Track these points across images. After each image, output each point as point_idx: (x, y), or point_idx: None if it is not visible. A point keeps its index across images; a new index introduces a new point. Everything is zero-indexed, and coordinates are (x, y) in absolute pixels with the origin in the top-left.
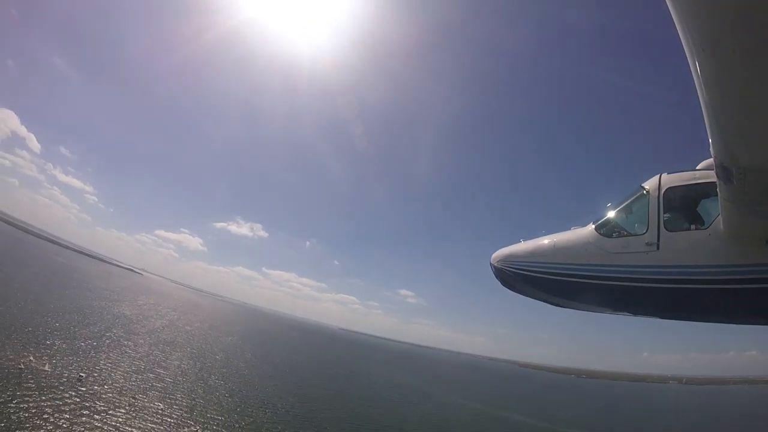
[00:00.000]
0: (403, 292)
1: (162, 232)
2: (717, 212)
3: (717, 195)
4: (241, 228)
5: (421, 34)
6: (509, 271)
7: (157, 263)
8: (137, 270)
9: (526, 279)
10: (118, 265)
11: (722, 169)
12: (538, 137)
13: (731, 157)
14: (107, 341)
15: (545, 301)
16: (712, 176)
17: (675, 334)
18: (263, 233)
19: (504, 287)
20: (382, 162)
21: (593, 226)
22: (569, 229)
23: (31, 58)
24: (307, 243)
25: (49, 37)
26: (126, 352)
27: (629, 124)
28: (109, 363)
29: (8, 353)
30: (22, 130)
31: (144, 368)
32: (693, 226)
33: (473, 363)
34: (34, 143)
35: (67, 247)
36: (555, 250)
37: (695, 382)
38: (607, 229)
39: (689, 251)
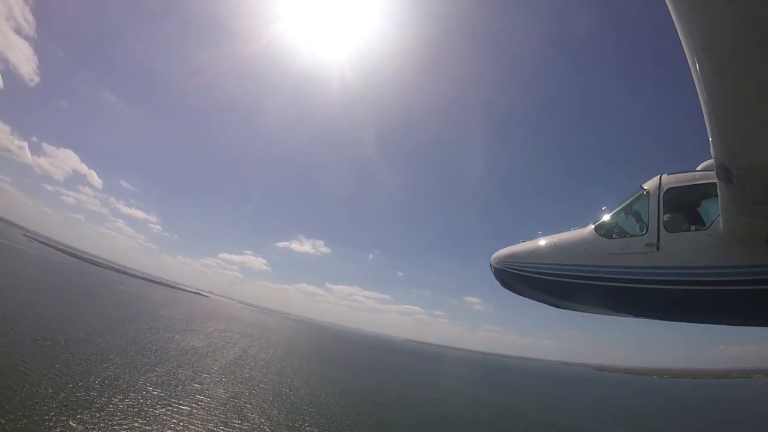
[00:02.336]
0: (470, 299)
1: (226, 255)
2: (717, 213)
3: (717, 195)
4: (303, 246)
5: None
6: (509, 271)
7: (223, 285)
8: (204, 293)
9: (525, 280)
10: (185, 290)
11: (722, 169)
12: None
13: (731, 157)
14: (175, 387)
15: (545, 302)
16: (712, 177)
17: None
18: (325, 249)
19: (504, 288)
20: (441, 170)
21: (593, 227)
22: (569, 229)
23: (83, 96)
24: (370, 256)
25: (99, 74)
26: (199, 401)
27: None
28: (180, 419)
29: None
30: (83, 168)
31: (222, 419)
32: (693, 227)
33: (548, 369)
34: (95, 179)
35: (134, 276)
36: (555, 250)
37: None
38: (606, 230)
39: (689, 252)
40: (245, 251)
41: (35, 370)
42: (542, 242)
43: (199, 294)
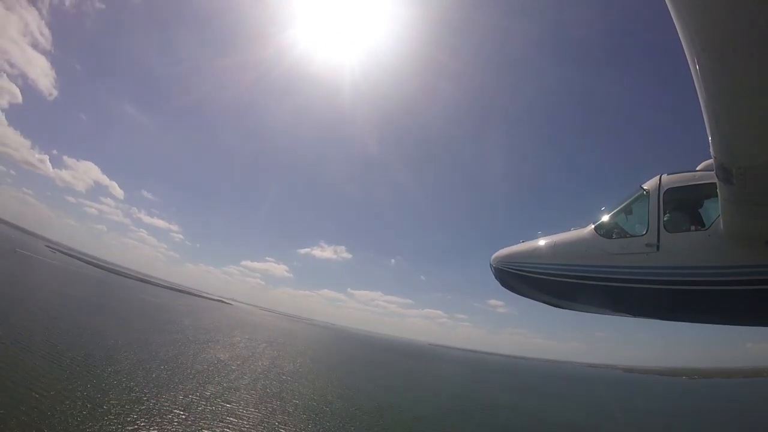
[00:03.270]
0: (493, 302)
1: (248, 263)
2: (717, 213)
3: (717, 196)
4: (324, 252)
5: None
6: (509, 271)
7: (246, 292)
8: (227, 301)
9: (525, 280)
10: (208, 298)
11: (722, 169)
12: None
13: (731, 157)
14: (203, 408)
15: (545, 302)
16: (712, 177)
17: None
18: (347, 255)
19: (504, 288)
20: (460, 172)
21: (593, 227)
22: (569, 229)
23: (101, 108)
24: (392, 260)
25: (116, 86)
26: (230, 424)
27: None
28: None
29: None
30: (104, 179)
31: None
32: (693, 227)
33: (576, 372)
34: (116, 190)
35: (158, 285)
36: (555, 251)
37: None
38: (606, 230)
39: (689, 252)
40: (267, 258)
41: (51, 391)
42: (542, 242)
43: (221, 301)
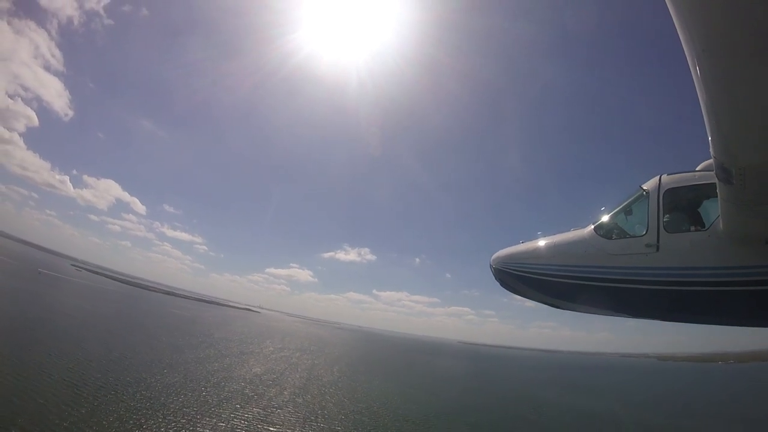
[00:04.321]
0: (519, 296)
1: (273, 270)
2: (717, 213)
3: (717, 196)
4: (348, 254)
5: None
6: (509, 272)
7: (272, 299)
8: (254, 309)
9: (525, 280)
10: (235, 307)
11: (722, 169)
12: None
13: (731, 157)
14: None
15: (545, 302)
16: (712, 177)
17: None
18: (371, 256)
19: (503, 289)
20: (481, 167)
21: (592, 228)
22: (569, 230)
23: (118, 125)
24: (417, 260)
25: (131, 101)
26: None
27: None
28: None
29: None
30: (125, 196)
31: None
32: (693, 228)
33: (609, 363)
34: (138, 206)
35: (185, 297)
36: (554, 251)
37: None
38: (606, 231)
39: (689, 253)
40: (291, 264)
41: (79, 420)
42: (542, 243)
43: (249, 310)
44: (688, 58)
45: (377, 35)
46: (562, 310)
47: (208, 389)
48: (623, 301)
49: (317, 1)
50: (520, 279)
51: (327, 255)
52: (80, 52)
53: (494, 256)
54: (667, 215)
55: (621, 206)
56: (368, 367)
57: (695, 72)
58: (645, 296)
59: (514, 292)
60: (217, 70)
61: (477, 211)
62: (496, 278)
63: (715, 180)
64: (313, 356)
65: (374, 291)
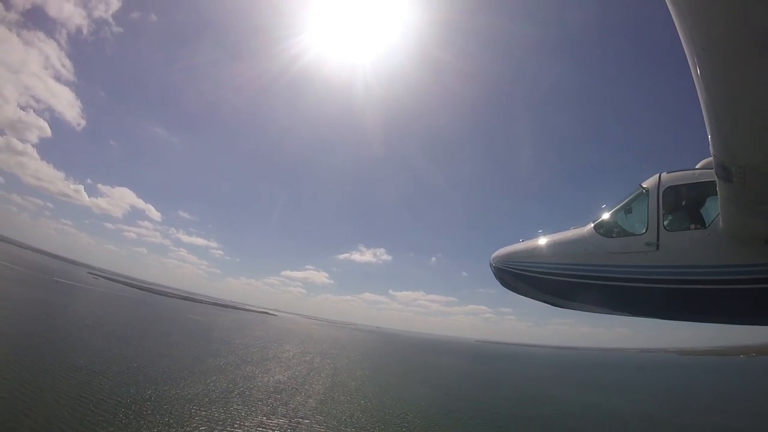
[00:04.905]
0: None
1: (288, 272)
2: (717, 212)
3: (717, 194)
4: (364, 255)
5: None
6: (509, 271)
7: (288, 301)
8: (271, 312)
9: (525, 279)
10: (252, 311)
11: (722, 168)
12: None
13: (731, 156)
14: None
15: (545, 301)
16: (711, 175)
17: None
18: (387, 257)
19: (503, 288)
20: (493, 164)
21: (592, 226)
22: (568, 229)
23: (130, 133)
24: (433, 259)
25: (142, 109)
26: None
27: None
28: None
29: None
30: (140, 203)
31: None
32: (693, 226)
33: (629, 359)
34: (153, 213)
35: (202, 302)
36: (554, 250)
37: None
38: (606, 229)
39: (689, 251)
40: (307, 267)
41: None
42: (542, 242)
43: (266, 313)
44: (688, 58)
45: (385, 36)
46: None
47: (232, 400)
48: (623, 300)
49: (325, 3)
50: (521, 278)
51: (342, 256)
52: (90, 61)
53: (494, 254)
54: (667, 214)
55: (621, 204)
56: (391, 371)
57: (695, 71)
58: (645, 295)
59: (515, 291)
60: (226, 74)
61: (491, 209)
62: (496, 277)
63: (715, 178)
64: (334, 360)
65: (390, 291)
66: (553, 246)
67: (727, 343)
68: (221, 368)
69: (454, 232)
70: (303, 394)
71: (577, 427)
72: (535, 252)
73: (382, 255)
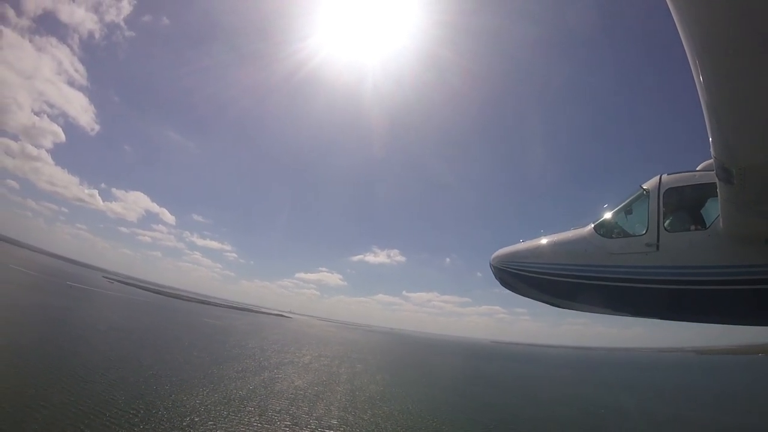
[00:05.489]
0: None
1: (302, 274)
2: (717, 213)
3: (717, 195)
4: (377, 257)
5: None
6: (509, 271)
7: (302, 303)
8: (285, 314)
9: (525, 279)
10: (267, 313)
11: (722, 169)
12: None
13: (731, 157)
14: None
15: (545, 301)
16: (712, 177)
17: None
18: (401, 258)
19: (504, 288)
20: (505, 161)
21: (593, 227)
22: (569, 229)
23: (144, 137)
24: (447, 259)
25: (156, 113)
26: None
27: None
28: None
29: None
30: (154, 207)
31: None
32: (693, 227)
33: (647, 359)
34: (167, 216)
35: (217, 305)
36: (554, 250)
37: None
38: (606, 230)
39: (689, 252)
40: (320, 269)
41: None
42: (542, 242)
43: (281, 315)
44: (688, 58)
45: (394, 37)
46: None
47: (252, 409)
48: (623, 300)
49: (335, 5)
50: (521, 278)
51: (356, 258)
52: (103, 65)
53: (494, 255)
54: (668, 215)
55: (621, 205)
56: (411, 374)
57: (696, 72)
58: (645, 295)
59: (515, 291)
60: (237, 76)
61: (505, 209)
62: (496, 277)
63: (716, 180)
64: (353, 363)
65: (404, 292)
66: (554, 246)
67: (745, 341)
68: (239, 374)
69: (468, 233)
70: (325, 401)
71: (604, 428)
72: (535, 252)
73: (396, 256)
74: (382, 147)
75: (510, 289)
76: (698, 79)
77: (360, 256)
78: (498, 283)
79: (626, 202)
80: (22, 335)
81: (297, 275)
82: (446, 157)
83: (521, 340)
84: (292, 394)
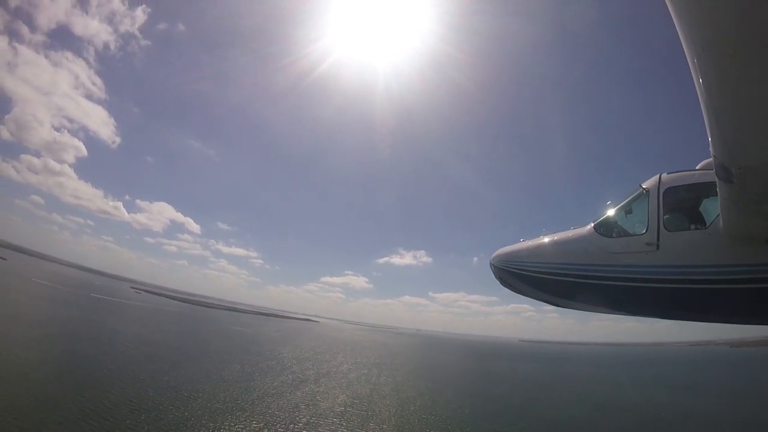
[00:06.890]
0: None
1: (328, 278)
2: (717, 212)
3: (717, 195)
4: (403, 258)
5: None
6: (510, 270)
7: (328, 307)
8: (313, 318)
9: (526, 279)
10: (294, 318)
11: (722, 168)
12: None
13: (731, 157)
14: None
15: (546, 301)
16: (712, 176)
17: None
18: (427, 259)
19: (504, 287)
20: (527, 157)
21: (593, 226)
22: (569, 228)
23: (166, 148)
24: (474, 259)
25: (177, 123)
26: None
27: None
28: None
29: None
30: (179, 217)
31: None
32: (693, 226)
33: (680, 354)
34: (192, 225)
35: (244, 312)
36: (555, 249)
37: None
38: (606, 229)
39: (689, 251)
40: (346, 272)
41: None
42: (542, 241)
43: (308, 320)
44: (688, 58)
45: (410, 38)
46: None
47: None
48: (624, 299)
49: (348, 8)
50: (521, 277)
51: (382, 260)
52: (120, 77)
53: (495, 254)
54: (667, 214)
55: (621, 205)
56: (454, 382)
57: (695, 71)
58: (645, 294)
59: (515, 291)
60: (255, 81)
61: (530, 207)
62: (496, 276)
63: (715, 179)
64: (391, 371)
65: (430, 293)
66: (554, 246)
67: None
68: (277, 391)
69: (494, 232)
70: (375, 420)
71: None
72: (535, 252)
73: (423, 257)
74: (400, 148)
75: (510, 289)
76: (698, 78)
77: (386, 258)
78: (499, 283)
79: (626, 201)
80: (37, 355)
81: (323, 279)
82: (468, 156)
83: (550, 338)
84: (338, 411)
